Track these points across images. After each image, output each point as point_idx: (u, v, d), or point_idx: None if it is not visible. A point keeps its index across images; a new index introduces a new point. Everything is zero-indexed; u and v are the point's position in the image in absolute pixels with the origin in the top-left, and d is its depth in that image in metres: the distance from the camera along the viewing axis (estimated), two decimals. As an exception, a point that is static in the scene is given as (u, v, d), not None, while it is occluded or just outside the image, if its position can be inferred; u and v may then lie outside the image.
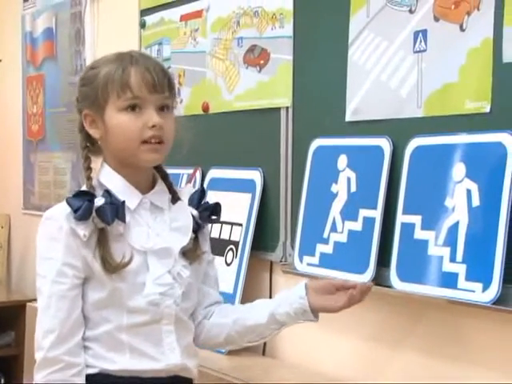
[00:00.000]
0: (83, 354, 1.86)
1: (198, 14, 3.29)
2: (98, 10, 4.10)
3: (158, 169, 1.98)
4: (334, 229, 2.58)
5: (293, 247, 2.76)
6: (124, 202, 1.86)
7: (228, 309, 2.08)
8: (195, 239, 1.98)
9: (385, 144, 2.46)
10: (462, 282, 2.18)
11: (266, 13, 2.94)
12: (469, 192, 2.19)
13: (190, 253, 1.96)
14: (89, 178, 1.90)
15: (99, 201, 1.84)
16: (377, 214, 2.45)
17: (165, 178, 1.99)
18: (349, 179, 2.56)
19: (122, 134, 1.85)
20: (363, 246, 2.47)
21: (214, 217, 2.03)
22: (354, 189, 2.55)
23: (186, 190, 2.03)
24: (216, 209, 2.03)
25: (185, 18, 3.36)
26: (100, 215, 1.83)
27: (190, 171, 3.24)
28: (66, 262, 1.83)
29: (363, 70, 2.55)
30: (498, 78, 2.17)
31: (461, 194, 2.22)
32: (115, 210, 1.83)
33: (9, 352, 4.56)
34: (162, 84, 1.86)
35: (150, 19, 3.59)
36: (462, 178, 2.22)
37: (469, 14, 2.23)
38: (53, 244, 1.85)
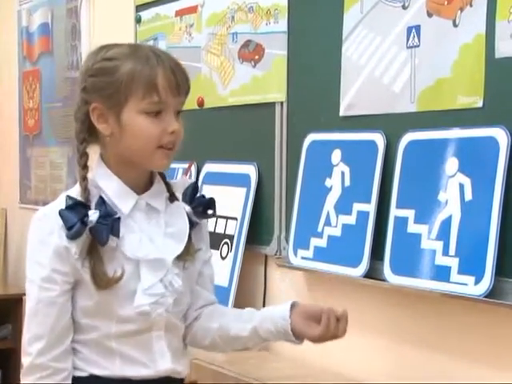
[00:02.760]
0: (71, 358, 1.79)
1: (192, 10, 3.29)
2: (93, 6, 4.11)
3: None
4: (328, 223, 2.59)
5: (287, 241, 2.77)
6: (119, 218, 1.75)
7: (216, 312, 1.97)
8: (188, 238, 1.85)
9: (378, 139, 2.46)
10: (454, 275, 2.18)
11: (261, 8, 2.94)
12: (461, 186, 2.20)
13: (184, 254, 1.85)
14: (84, 179, 1.78)
15: (93, 215, 1.72)
16: (370, 207, 2.45)
17: (162, 176, 1.88)
18: (343, 173, 2.57)
19: (141, 137, 1.74)
20: (357, 240, 2.47)
21: (209, 211, 1.92)
22: (347, 183, 2.55)
23: (180, 184, 1.92)
24: (210, 203, 1.92)
25: (180, 13, 3.37)
26: (94, 234, 1.73)
27: (186, 165, 3.25)
28: (55, 269, 1.74)
29: (357, 65, 2.55)
30: (491, 73, 2.17)
31: (453, 189, 2.22)
32: (110, 227, 1.73)
33: (6, 345, 4.58)
34: (185, 87, 1.78)
35: (145, 14, 3.60)
36: (455, 173, 2.22)
37: (461, 9, 2.24)
38: (42, 248, 1.76)
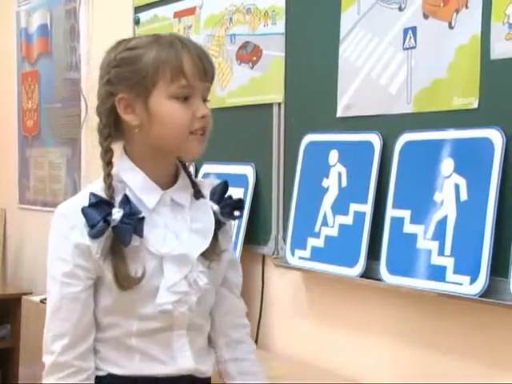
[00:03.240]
0: (93, 357, 1.74)
1: (191, 11, 3.30)
2: (92, 7, 4.10)
3: (180, 163, 1.83)
4: (325, 223, 2.60)
5: (285, 241, 2.78)
6: (143, 218, 1.69)
7: (240, 352, 1.92)
8: (215, 237, 1.79)
9: (375, 139, 2.47)
10: (450, 274, 2.19)
11: (259, 10, 2.95)
12: (457, 187, 2.21)
13: (209, 253, 1.78)
14: (109, 175, 1.71)
15: (117, 213, 1.66)
16: (367, 208, 2.46)
17: (187, 172, 1.83)
18: (340, 174, 2.58)
19: (171, 123, 1.68)
20: (354, 240, 2.48)
21: (236, 213, 1.86)
22: (344, 183, 2.56)
23: (207, 183, 1.86)
24: (239, 205, 1.86)
25: (178, 14, 3.37)
26: (117, 234, 1.67)
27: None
28: (78, 264, 1.69)
29: (354, 66, 2.56)
30: (486, 74, 2.18)
31: (449, 189, 2.23)
32: (133, 227, 1.67)
33: (4, 345, 4.57)
34: (211, 72, 1.73)
35: (143, 16, 3.60)
36: (451, 173, 2.23)
37: (457, 11, 2.25)
38: (64, 244, 1.70)
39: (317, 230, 2.62)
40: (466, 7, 2.22)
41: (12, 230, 4.99)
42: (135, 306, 1.72)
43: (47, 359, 1.72)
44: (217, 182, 1.86)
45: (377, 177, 2.45)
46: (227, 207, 1.83)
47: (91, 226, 1.66)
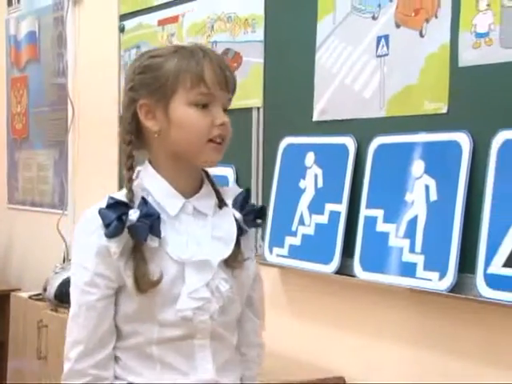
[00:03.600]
0: (112, 367, 1.66)
1: (174, 19, 3.30)
2: (79, 15, 4.09)
3: (204, 172, 1.74)
4: (301, 222, 2.61)
5: (263, 239, 2.78)
6: (159, 216, 1.62)
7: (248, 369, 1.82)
8: (237, 245, 1.70)
9: (349, 142, 2.48)
10: (420, 271, 2.20)
11: (239, 18, 2.96)
12: (427, 187, 2.22)
13: (231, 260, 1.68)
14: (130, 180, 1.66)
15: (134, 214, 1.60)
16: (342, 208, 2.46)
17: (211, 181, 1.74)
18: (316, 175, 2.58)
19: (189, 129, 1.62)
20: (329, 238, 2.49)
21: (258, 221, 1.77)
22: (320, 184, 2.57)
23: (230, 191, 1.78)
24: (261, 212, 1.78)
25: (162, 22, 3.37)
26: (132, 233, 1.60)
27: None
28: (98, 273, 1.62)
29: (329, 72, 2.57)
30: (455, 81, 2.20)
31: (420, 190, 2.24)
32: (149, 226, 1.60)
33: (-8, 339, 4.55)
34: (231, 83, 1.67)
35: (128, 24, 3.60)
36: (421, 175, 2.24)
37: (427, 21, 2.26)
38: (86, 251, 1.64)
39: (294, 228, 2.63)
40: (436, 17, 2.24)
41: (1, 229, 4.97)
42: (156, 313, 1.63)
43: (65, 366, 1.66)
44: (239, 190, 1.79)
45: (351, 178, 2.46)
46: (250, 215, 1.75)
47: (106, 225, 1.61)
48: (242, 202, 1.75)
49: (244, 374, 1.80)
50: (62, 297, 3.41)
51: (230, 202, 1.74)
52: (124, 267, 1.61)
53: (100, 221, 1.61)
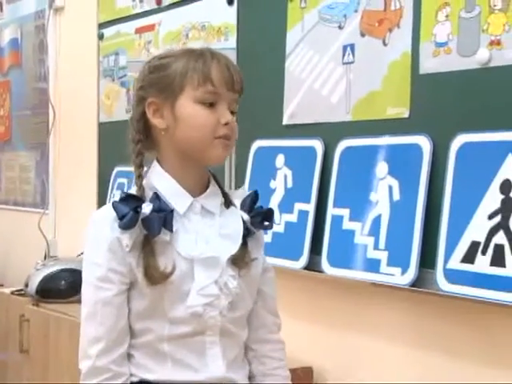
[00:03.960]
0: (128, 363, 1.62)
1: (151, 28, 3.30)
2: (59, 23, 4.08)
3: (211, 173, 1.71)
4: (272, 220, 2.61)
5: (236, 237, 2.78)
6: (173, 210, 1.59)
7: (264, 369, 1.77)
8: (244, 245, 1.67)
9: (317, 145, 2.49)
10: (383, 266, 2.22)
11: (212, 27, 2.96)
12: (390, 188, 2.24)
13: (239, 260, 1.65)
14: (139, 176, 1.63)
15: (147, 207, 1.57)
16: (310, 207, 2.47)
17: (217, 181, 1.71)
18: (285, 176, 2.59)
19: (195, 126, 1.59)
20: (298, 236, 2.49)
21: (266, 223, 1.74)
22: (290, 185, 2.57)
23: (238, 193, 1.75)
24: (269, 215, 1.75)
25: (139, 30, 3.37)
26: (146, 225, 1.57)
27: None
28: (111, 268, 1.58)
29: (298, 79, 2.58)
30: (416, 87, 2.21)
31: (383, 190, 2.26)
32: (162, 219, 1.57)
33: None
34: (239, 84, 1.64)
35: (107, 32, 3.59)
36: (385, 176, 2.26)
37: (390, 30, 2.28)
38: (98, 248, 1.60)
39: (265, 226, 2.63)
40: (398, 27, 2.26)
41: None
42: (166, 310, 1.60)
43: (85, 364, 1.60)
44: (247, 192, 1.76)
45: (319, 179, 2.46)
46: (257, 217, 1.71)
47: (121, 217, 1.57)
48: (250, 204, 1.72)
49: (257, 369, 1.75)
50: (44, 292, 3.41)
51: (238, 204, 1.71)
52: (135, 262, 1.58)
53: (113, 214, 1.58)
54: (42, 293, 3.41)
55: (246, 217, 1.70)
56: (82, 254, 3.56)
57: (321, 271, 2.42)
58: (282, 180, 2.60)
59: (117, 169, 3.43)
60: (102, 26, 3.64)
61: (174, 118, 1.60)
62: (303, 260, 2.47)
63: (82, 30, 3.87)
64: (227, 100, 1.62)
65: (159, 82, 1.62)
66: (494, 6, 2.00)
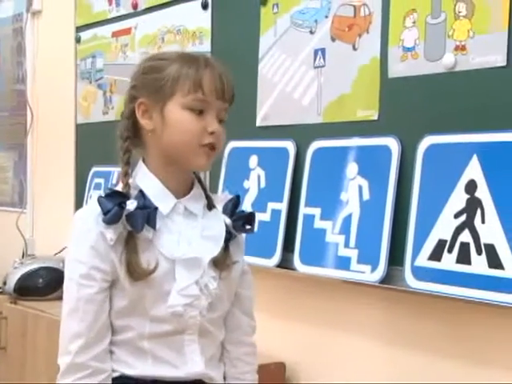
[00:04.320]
0: (109, 359, 1.61)
1: (127, 31, 3.29)
2: (37, 26, 4.06)
3: (195, 175, 1.70)
4: (246, 219, 2.61)
5: (210, 236, 2.78)
6: (157, 208, 1.58)
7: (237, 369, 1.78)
8: (226, 248, 1.66)
9: (290, 146, 2.50)
10: (354, 264, 2.23)
11: (187, 31, 2.96)
12: (360, 188, 2.25)
13: (220, 263, 1.65)
14: (126, 174, 1.61)
15: (131, 204, 1.57)
16: (283, 206, 2.48)
17: (201, 183, 1.70)
18: (259, 176, 2.60)
19: (182, 132, 1.58)
20: (271, 234, 2.49)
21: (248, 227, 1.73)
22: (263, 185, 2.58)
23: (221, 197, 1.74)
24: (250, 219, 1.74)
25: (116, 34, 3.37)
26: (130, 221, 1.56)
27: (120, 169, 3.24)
28: (94, 266, 1.57)
29: (271, 82, 2.59)
30: (384, 90, 2.23)
31: (354, 190, 2.27)
32: (146, 216, 1.56)
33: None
34: (229, 93, 1.62)
35: (84, 35, 3.58)
36: (355, 176, 2.27)
37: (360, 35, 2.29)
38: (81, 246, 1.58)
39: (238, 225, 2.63)
40: (368, 32, 2.27)
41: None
42: (147, 308, 1.59)
43: (64, 360, 1.59)
44: (229, 196, 1.74)
45: (291, 179, 2.47)
46: (239, 221, 1.71)
47: (105, 212, 1.55)
48: (232, 208, 1.71)
49: (229, 371, 1.76)
50: (21, 290, 3.40)
51: (220, 208, 1.70)
52: (118, 258, 1.57)
53: (98, 210, 1.57)
54: (19, 291, 3.39)
55: (228, 220, 1.69)
56: (59, 252, 3.58)
57: (293, 269, 2.43)
58: (255, 180, 2.61)
59: (94, 169, 3.43)
60: (79, 29, 3.62)
61: (162, 122, 1.59)
62: (276, 258, 2.48)
63: (59, 34, 3.85)
64: (216, 109, 1.60)
65: (151, 83, 1.60)
66: (459, 12, 2.03)
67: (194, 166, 1.63)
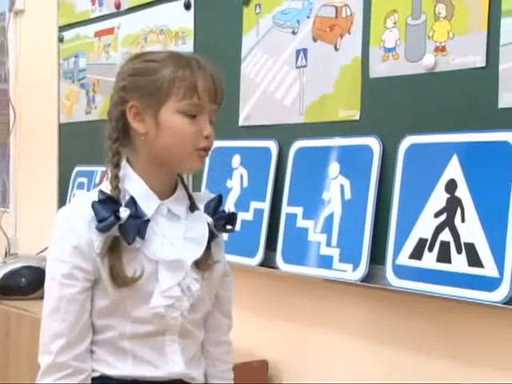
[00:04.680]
0: (90, 360, 1.61)
1: (110, 31, 3.29)
2: (20, 26, 4.04)
3: (179, 176, 1.70)
4: (228, 219, 2.62)
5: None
6: (148, 220, 1.57)
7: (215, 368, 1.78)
8: (208, 248, 1.66)
9: (272, 146, 2.51)
10: (336, 263, 2.24)
11: (170, 31, 2.96)
12: (342, 187, 2.26)
13: (202, 263, 1.65)
14: (116, 177, 1.60)
15: (124, 212, 1.55)
16: (265, 205, 2.49)
17: (184, 185, 1.70)
18: (241, 176, 2.60)
19: (177, 137, 1.57)
20: (254, 234, 2.50)
21: (229, 227, 1.73)
22: (246, 184, 2.58)
23: (202, 196, 1.74)
24: (232, 218, 1.74)
25: (98, 34, 3.36)
26: (122, 232, 1.55)
27: (104, 168, 3.24)
28: (76, 265, 1.56)
29: (253, 82, 2.59)
30: (366, 90, 2.24)
31: (335, 189, 2.28)
32: (138, 227, 1.55)
33: None
34: (221, 96, 1.63)
35: (67, 34, 3.57)
36: (337, 175, 2.28)
37: (341, 36, 2.31)
38: (64, 245, 1.57)
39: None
40: (349, 33, 2.28)
41: None
42: (129, 309, 1.59)
43: (45, 359, 1.58)
44: (211, 195, 1.74)
45: (274, 178, 2.48)
46: (221, 220, 1.71)
47: (100, 220, 1.54)
48: (214, 208, 1.71)
49: (209, 370, 1.76)
50: (4, 289, 3.39)
51: (201, 207, 1.70)
52: (101, 261, 1.56)
53: (91, 214, 1.55)
54: (2, 290, 3.39)
55: (210, 220, 1.69)
56: (42, 251, 3.57)
57: (276, 268, 2.44)
58: (238, 179, 2.62)
59: (77, 168, 3.43)
60: (62, 29, 3.61)
61: (156, 126, 1.58)
62: (259, 257, 2.48)
63: (42, 33, 3.84)
64: (208, 112, 1.61)
65: (144, 87, 1.58)
66: (439, 13, 2.05)
67: (188, 168, 1.65)
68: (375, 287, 2.17)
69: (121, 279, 1.55)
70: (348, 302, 2.36)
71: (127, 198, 1.59)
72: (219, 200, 1.73)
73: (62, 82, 3.61)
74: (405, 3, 2.13)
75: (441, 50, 2.05)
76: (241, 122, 2.66)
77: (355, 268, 2.18)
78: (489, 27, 1.95)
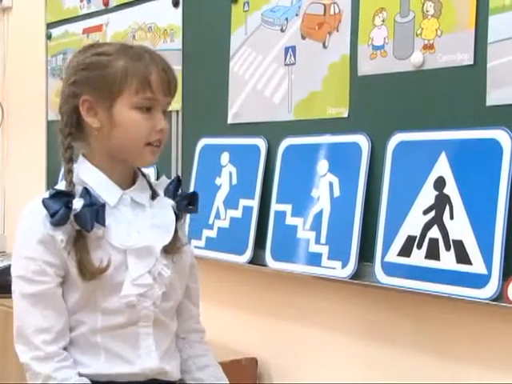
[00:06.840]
0: (69, 357, 1.59)
1: (98, 28, 3.28)
2: (8, 23, 4.03)
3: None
4: (217, 216, 2.62)
5: (183, 232, 2.78)
6: (104, 204, 1.56)
7: (197, 358, 1.78)
8: (175, 232, 1.66)
9: (261, 143, 2.51)
10: (325, 260, 2.24)
11: (159, 28, 2.96)
12: (331, 184, 2.26)
13: (171, 247, 1.64)
14: (69, 172, 1.58)
15: (78, 202, 1.53)
16: (254, 203, 2.49)
17: (144, 174, 1.69)
18: (230, 173, 2.60)
19: (131, 132, 1.56)
20: (243, 231, 2.50)
21: (191, 207, 1.72)
22: (234, 181, 2.59)
23: (161, 183, 1.72)
24: (193, 198, 1.73)
25: (87, 31, 3.35)
26: (78, 221, 1.53)
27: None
28: (46, 261, 1.54)
29: (242, 79, 2.59)
30: (354, 88, 2.24)
31: (324, 186, 2.28)
32: (95, 213, 1.53)
33: None
34: (174, 87, 1.61)
35: (55, 31, 3.56)
36: (326, 173, 2.28)
37: (330, 33, 2.31)
38: (31, 242, 1.55)
39: (210, 222, 2.63)
40: (337, 30, 2.29)
41: None
42: (99, 301, 1.57)
43: (34, 354, 1.56)
44: (168, 180, 1.73)
45: (263, 176, 2.48)
46: (183, 201, 1.71)
47: (52, 214, 1.53)
48: (173, 190, 1.71)
49: (188, 353, 1.76)
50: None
51: (161, 191, 1.70)
52: (68, 256, 1.55)
53: (44, 211, 1.54)
54: (-14, 287, 3.37)
55: (172, 202, 1.69)
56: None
57: (264, 265, 2.44)
58: (227, 177, 2.62)
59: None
60: (50, 26, 3.60)
61: (110, 120, 1.57)
62: (248, 254, 2.49)
63: (30, 30, 3.83)
64: (162, 105, 1.60)
65: (96, 81, 1.57)
66: (427, 11, 2.05)
67: (140, 163, 1.65)
68: (364, 284, 2.17)
69: (88, 271, 1.54)
70: (337, 299, 2.36)
71: (81, 190, 1.57)
72: (178, 181, 1.73)
73: (51, 79, 3.60)
74: (393, 1, 2.13)
75: (429, 47, 2.05)
76: (229, 120, 2.65)
77: (344, 265, 2.19)
78: (477, 25, 1.95)
